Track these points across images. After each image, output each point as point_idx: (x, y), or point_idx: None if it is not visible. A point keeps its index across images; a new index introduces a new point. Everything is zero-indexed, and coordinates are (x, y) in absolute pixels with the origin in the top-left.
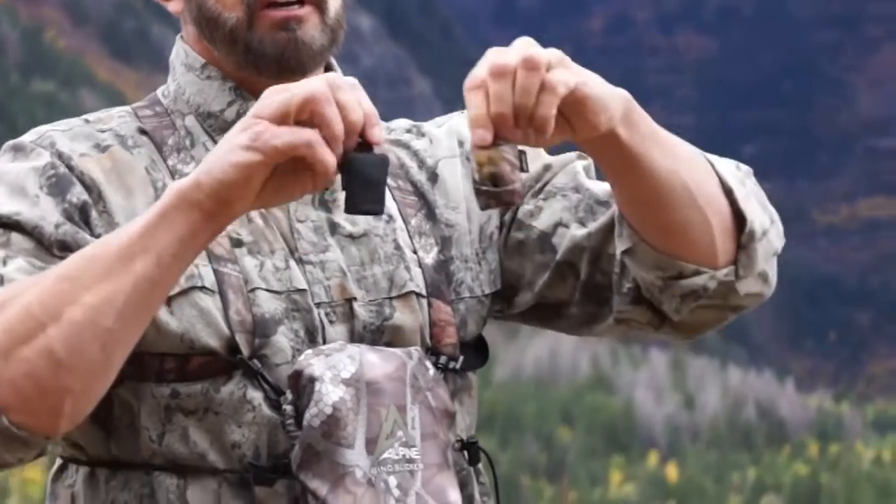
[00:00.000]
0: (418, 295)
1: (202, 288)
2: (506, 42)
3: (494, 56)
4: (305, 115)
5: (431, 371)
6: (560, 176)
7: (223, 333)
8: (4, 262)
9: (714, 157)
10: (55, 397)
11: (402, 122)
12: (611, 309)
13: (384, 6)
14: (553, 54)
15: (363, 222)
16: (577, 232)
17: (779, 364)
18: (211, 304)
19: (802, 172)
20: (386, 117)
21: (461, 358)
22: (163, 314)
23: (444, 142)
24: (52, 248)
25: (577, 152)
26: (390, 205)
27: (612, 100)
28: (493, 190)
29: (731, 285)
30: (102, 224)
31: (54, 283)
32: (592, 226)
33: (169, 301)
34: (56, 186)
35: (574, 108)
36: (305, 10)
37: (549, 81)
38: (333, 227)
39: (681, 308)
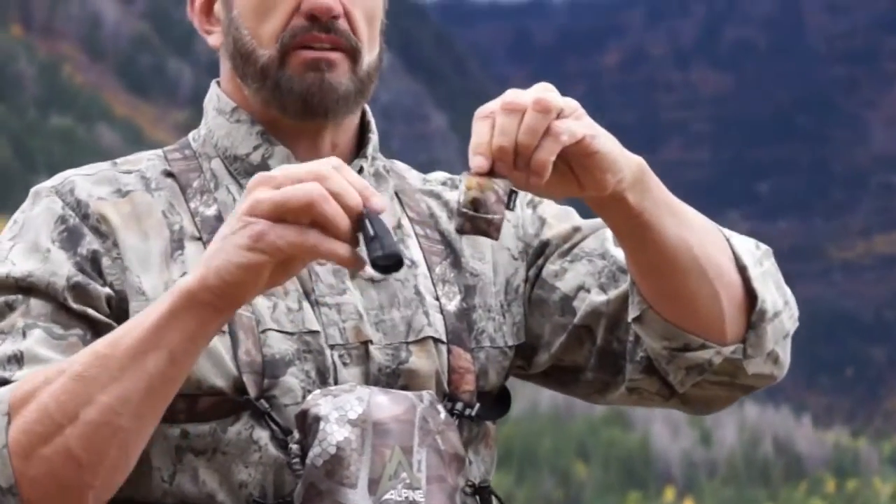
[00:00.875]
0: (438, 341)
1: None
2: (521, 78)
3: (511, 93)
4: (306, 220)
5: (443, 414)
6: (589, 240)
7: (230, 374)
8: (24, 334)
9: (733, 234)
10: (77, 493)
11: (439, 175)
12: (624, 377)
13: (401, 42)
14: (568, 104)
15: None
16: (597, 298)
17: (796, 400)
18: (220, 344)
19: (818, 208)
20: (404, 151)
21: (477, 405)
22: None
23: None
24: (66, 302)
25: None
26: (416, 252)
27: (622, 161)
28: (470, 213)
29: (739, 363)
30: (115, 271)
31: (69, 383)
32: (612, 293)
33: None
34: (68, 240)
35: (581, 161)
36: (337, 56)
37: (556, 127)
38: (353, 271)
39: (685, 381)
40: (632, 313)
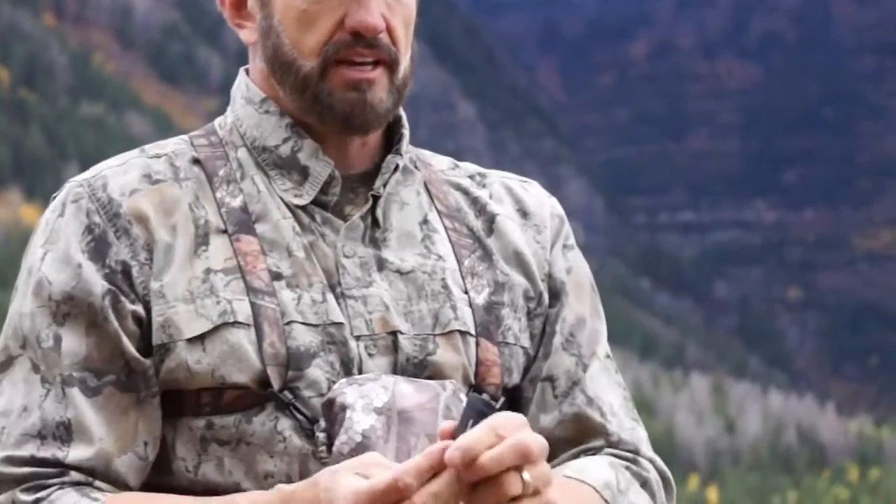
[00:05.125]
0: (466, 333)
1: (235, 323)
2: (549, 67)
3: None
4: None
5: (465, 403)
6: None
7: (254, 368)
8: (64, 391)
9: None
10: None
11: (468, 167)
12: None
13: (430, 32)
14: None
15: (412, 259)
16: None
17: (819, 389)
18: (244, 337)
19: (844, 198)
20: (432, 140)
21: (502, 399)
22: (195, 355)
23: (507, 200)
24: (104, 322)
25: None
26: (444, 245)
27: None
28: None
29: None
30: (142, 277)
31: None
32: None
33: (202, 339)
34: (95, 251)
35: None
36: (377, 73)
37: None
38: (381, 263)
39: None
40: None
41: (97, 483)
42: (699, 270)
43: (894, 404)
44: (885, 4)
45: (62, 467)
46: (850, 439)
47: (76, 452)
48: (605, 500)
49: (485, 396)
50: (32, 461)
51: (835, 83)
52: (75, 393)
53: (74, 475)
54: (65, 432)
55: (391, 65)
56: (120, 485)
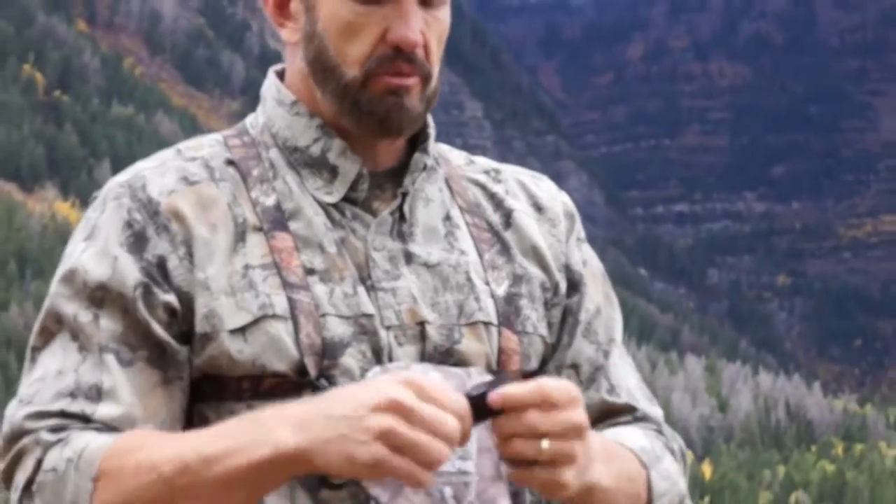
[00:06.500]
0: (488, 324)
1: (274, 316)
2: (551, 69)
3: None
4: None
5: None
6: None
7: (292, 358)
8: (102, 359)
9: (664, 491)
10: None
11: (483, 163)
12: None
13: None
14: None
15: (437, 253)
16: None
17: (807, 369)
18: (282, 329)
19: (829, 190)
20: (441, 138)
21: None
22: (237, 345)
23: (522, 195)
24: (136, 310)
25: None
26: (466, 240)
27: (606, 489)
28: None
29: None
30: (181, 271)
31: (157, 485)
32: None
33: (243, 331)
34: (135, 245)
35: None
36: (413, 81)
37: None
38: (409, 257)
39: None
40: None
41: None
42: (693, 259)
43: (877, 384)
44: (867, 8)
45: (88, 421)
46: (836, 417)
47: (104, 410)
48: (644, 463)
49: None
50: (60, 414)
51: (819, 82)
52: (111, 360)
53: (97, 426)
54: (96, 393)
55: (425, 77)
56: None
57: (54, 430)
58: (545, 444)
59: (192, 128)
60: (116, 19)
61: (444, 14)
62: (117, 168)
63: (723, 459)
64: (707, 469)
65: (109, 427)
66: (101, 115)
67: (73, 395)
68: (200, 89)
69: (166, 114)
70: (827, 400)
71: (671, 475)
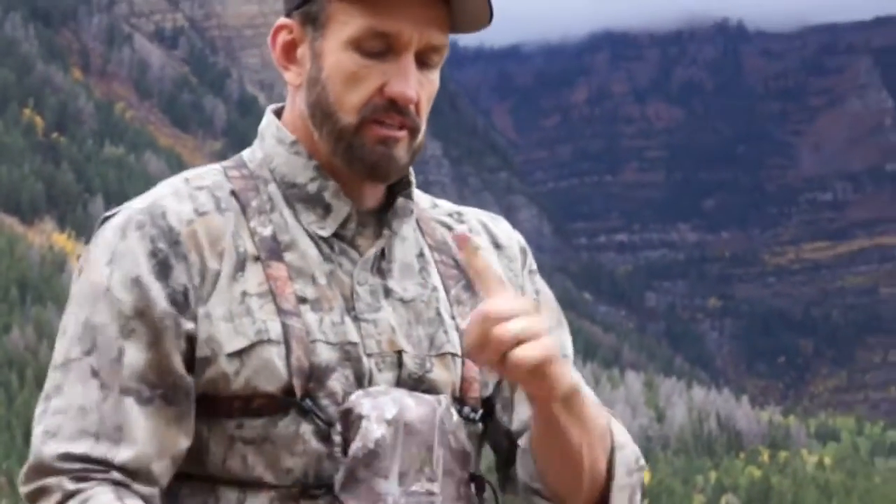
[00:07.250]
0: (455, 355)
1: (269, 341)
2: (504, 110)
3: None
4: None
5: (455, 417)
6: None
7: (282, 379)
8: (122, 400)
9: (624, 443)
10: None
11: (446, 206)
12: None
13: None
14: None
15: (412, 289)
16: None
17: (736, 384)
18: (275, 353)
19: (755, 222)
20: None
21: (481, 411)
22: (233, 367)
23: (485, 236)
24: (162, 341)
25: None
26: (436, 277)
27: (562, 382)
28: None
29: None
30: (197, 299)
31: None
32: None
33: (240, 354)
34: (161, 273)
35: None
36: (402, 134)
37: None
38: (388, 292)
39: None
40: (522, 443)
41: (135, 485)
42: (632, 284)
43: (800, 397)
44: (788, 57)
45: (109, 466)
46: (762, 427)
47: (124, 454)
48: (610, 428)
49: (466, 409)
50: (85, 458)
51: (746, 124)
52: (131, 402)
53: (116, 475)
54: (117, 435)
55: (413, 130)
56: (153, 484)
57: (77, 478)
58: (510, 324)
59: (178, 166)
60: (109, 67)
61: (435, 76)
62: (110, 203)
63: (660, 466)
64: (646, 475)
65: (127, 471)
66: (95, 154)
67: (96, 436)
68: (185, 131)
69: (154, 153)
70: (754, 412)
71: (626, 434)
